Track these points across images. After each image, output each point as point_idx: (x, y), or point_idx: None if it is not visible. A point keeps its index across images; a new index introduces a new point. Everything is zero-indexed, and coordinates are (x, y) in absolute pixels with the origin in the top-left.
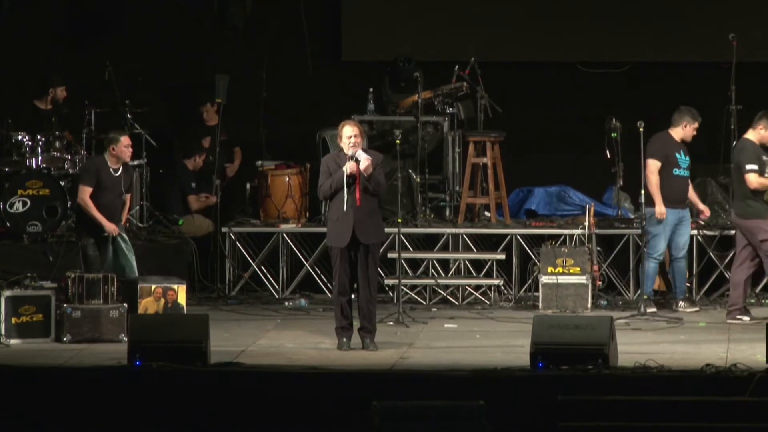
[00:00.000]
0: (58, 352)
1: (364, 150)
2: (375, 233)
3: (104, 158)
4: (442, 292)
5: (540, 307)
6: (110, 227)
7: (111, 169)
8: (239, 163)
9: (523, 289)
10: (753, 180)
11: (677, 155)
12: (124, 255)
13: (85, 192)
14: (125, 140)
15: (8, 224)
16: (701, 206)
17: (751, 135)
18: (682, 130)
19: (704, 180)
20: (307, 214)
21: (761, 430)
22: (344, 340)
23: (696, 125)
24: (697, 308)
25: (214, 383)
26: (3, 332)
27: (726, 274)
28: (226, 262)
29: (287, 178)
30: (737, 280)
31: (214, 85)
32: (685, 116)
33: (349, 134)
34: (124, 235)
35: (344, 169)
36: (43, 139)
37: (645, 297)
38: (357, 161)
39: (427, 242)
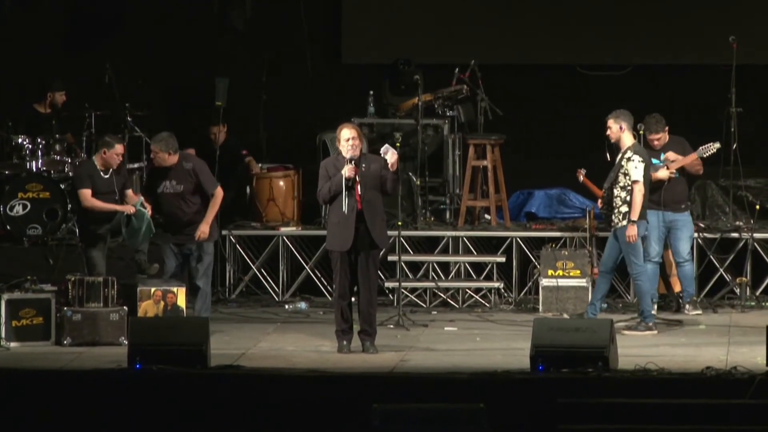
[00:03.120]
0: (57, 355)
1: (363, 154)
2: (381, 237)
3: (93, 162)
4: (442, 294)
5: (540, 309)
6: (125, 208)
7: (101, 172)
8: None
9: (524, 291)
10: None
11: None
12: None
13: (87, 194)
14: (119, 148)
15: (8, 227)
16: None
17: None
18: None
19: (704, 183)
20: (296, 218)
21: None
22: (344, 343)
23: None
24: (700, 311)
25: (214, 386)
26: (3, 335)
27: (726, 276)
28: (226, 265)
29: (277, 181)
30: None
31: (214, 87)
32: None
33: (347, 137)
34: (142, 209)
35: (342, 172)
36: (43, 142)
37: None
38: (356, 164)
39: (427, 245)
